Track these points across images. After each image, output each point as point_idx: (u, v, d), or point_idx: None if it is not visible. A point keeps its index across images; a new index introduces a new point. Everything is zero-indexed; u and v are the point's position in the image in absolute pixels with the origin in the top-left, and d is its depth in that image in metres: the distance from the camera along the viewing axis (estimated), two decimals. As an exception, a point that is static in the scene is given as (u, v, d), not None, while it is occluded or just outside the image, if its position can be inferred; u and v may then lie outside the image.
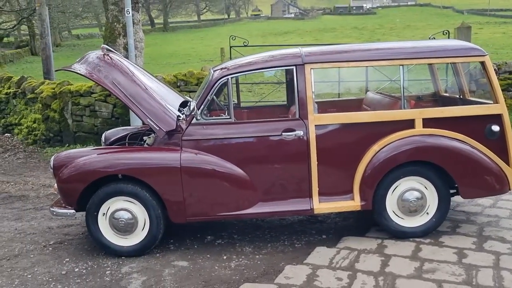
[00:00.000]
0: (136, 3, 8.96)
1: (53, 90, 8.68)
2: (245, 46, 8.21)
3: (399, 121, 3.87)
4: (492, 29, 38.92)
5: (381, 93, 4.89)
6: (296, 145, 3.87)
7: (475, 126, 3.90)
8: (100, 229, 3.96)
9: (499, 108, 3.89)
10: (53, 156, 4.17)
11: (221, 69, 4.04)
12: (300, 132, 3.87)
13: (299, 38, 43.51)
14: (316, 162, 3.86)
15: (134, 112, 4.10)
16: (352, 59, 3.94)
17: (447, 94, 4.92)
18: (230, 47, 8.28)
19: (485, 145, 3.89)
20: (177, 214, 3.91)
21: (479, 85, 7.09)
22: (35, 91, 9.15)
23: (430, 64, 4.72)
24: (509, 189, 3.97)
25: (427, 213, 3.97)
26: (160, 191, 3.85)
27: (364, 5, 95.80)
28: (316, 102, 4.02)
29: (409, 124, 3.88)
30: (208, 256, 3.96)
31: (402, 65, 3.91)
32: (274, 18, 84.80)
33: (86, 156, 3.97)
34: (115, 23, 9.30)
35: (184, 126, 3.96)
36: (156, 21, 63.89)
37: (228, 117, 3.97)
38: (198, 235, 4.38)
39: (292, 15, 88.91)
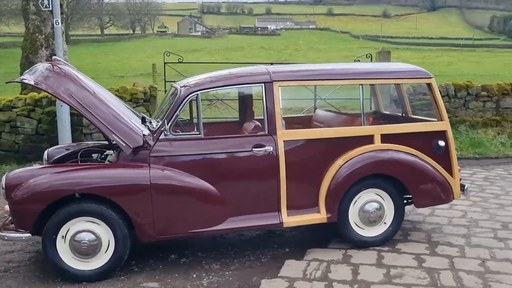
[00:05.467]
0: (61, 14, 8.52)
1: (-35, 104, 7.87)
2: (180, 62, 8.16)
3: (360, 136, 4.13)
4: (386, 53, 42.54)
5: (330, 110, 5.16)
6: (265, 161, 3.95)
7: (424, 141, 4.28)
8: (59, 253, 3.68)
9: (444, 125, 4.32)
10: (4, 175, 3.81)
11: (189, 85, 4.01)
12: (269, 148, 3.95)
13: (209, 56, 43.83)
14: (285, 177, 3.96)
15: (96, 127, 3.90)
16: (317, 78, 4.14)
17: (387, 112, 5.33)
18: (165, 63, 8.16)
19: (433, 159, 4.27)
20: (146, 233, 3.77)
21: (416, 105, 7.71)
22: None
23: (372, 85, 5.08)
24: (453, 198, 4.39)
25: (385, 223, 4.25)
26: (129, 210, 3.69)
27: (269, 26, 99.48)
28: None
29: (369, 139, 4.15)
30: (177, 275, 3.86)
31: (362, 84, 4.19)
32: (181, 36, 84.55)
33: (44, 175, 3.69)
34: (37, 34, 8.80)
35: (151, 142, 3.85)
36: (56, 33, 60.45)
37: (197, 132, 3.94)
38: (161, 254, 4.24)
39: (199, 33, 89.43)
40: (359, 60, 8.63)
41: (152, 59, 42.08)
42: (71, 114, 7.60)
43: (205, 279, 3.78)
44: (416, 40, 71.70)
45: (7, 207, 3.76)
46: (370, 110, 5.47)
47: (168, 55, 8.16)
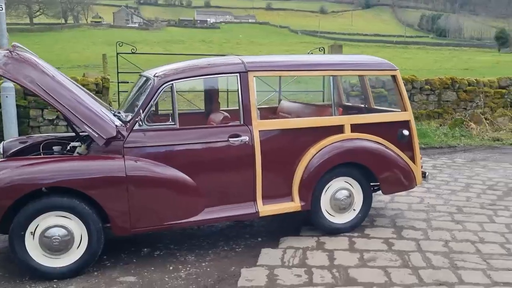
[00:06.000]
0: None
1: None
2: (133, 53, 7.93)
3: (332, 126, 4.24)
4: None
5: (296, 102, 5.24)
6: (241, 150, 3.95)
7: (390, 131, 4.46)
8: (28, 250, 3.50)
9: (408, 115, 4.53)
10: (-35, 170, 3.54)
11: (162, 75, 3.92)
12: (245, 138, 3.96)
13: (148, 48, 42.82)
14: (261, 166, 3.99)
15: (65, 116, 3.72)
16: (291, 68, 4.19)
17: (349, 103, 5.50)
18: (117, 53, 7.89)
19: (397, 147, 4.47)
20: (121, 226, 3.67)
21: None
22: None
23: (334, 77, 5.21)
24: (416, 185, 4.63)
25: (354, 210, 4.40)
26: (104, 203, 3.56)
27: (208, 19, 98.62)
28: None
29: (339, 129, 4.27)
30: (153, 268, 3.79)
31: (333, 75, 4.30)
32: (117, 27, 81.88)
33: (8, 169, 3.47)
34: (-27, 20, 8.15)
35: (125, 133, 3.74)
36: (-20, 21, 56.43)
37: (173, 123, 3.87)
38: (133, 248, 4.14)
39: (136, 25, 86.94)
40: (312, 53, 8.81)
41: (88, 50, 40.38)
42: (17, 106, 7.19)
43: (182, 271, 3.74)
44: (352, 36, 74.08)
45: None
46: (324, 102, 5.62)
47: (121, 45, 7.88)
